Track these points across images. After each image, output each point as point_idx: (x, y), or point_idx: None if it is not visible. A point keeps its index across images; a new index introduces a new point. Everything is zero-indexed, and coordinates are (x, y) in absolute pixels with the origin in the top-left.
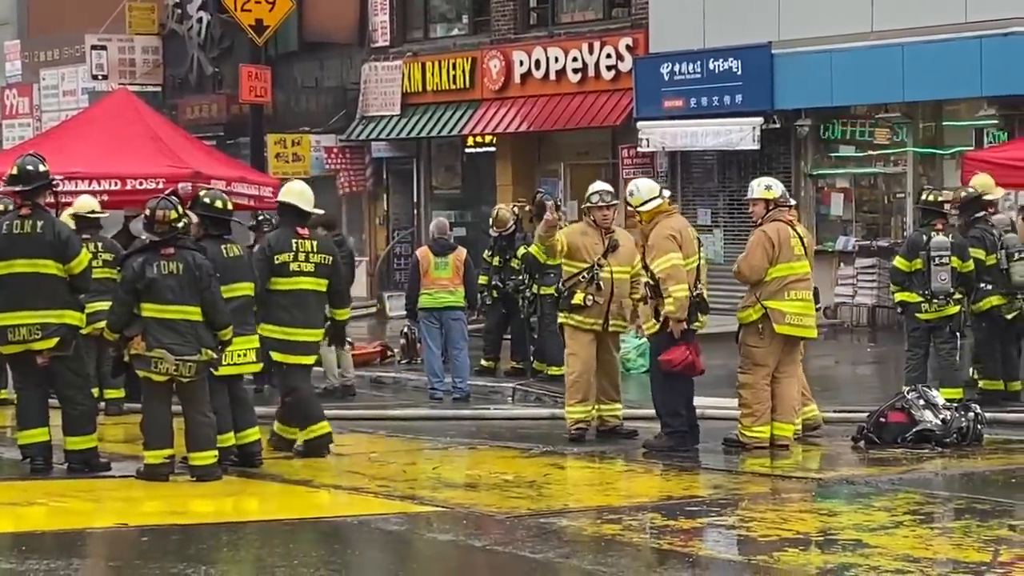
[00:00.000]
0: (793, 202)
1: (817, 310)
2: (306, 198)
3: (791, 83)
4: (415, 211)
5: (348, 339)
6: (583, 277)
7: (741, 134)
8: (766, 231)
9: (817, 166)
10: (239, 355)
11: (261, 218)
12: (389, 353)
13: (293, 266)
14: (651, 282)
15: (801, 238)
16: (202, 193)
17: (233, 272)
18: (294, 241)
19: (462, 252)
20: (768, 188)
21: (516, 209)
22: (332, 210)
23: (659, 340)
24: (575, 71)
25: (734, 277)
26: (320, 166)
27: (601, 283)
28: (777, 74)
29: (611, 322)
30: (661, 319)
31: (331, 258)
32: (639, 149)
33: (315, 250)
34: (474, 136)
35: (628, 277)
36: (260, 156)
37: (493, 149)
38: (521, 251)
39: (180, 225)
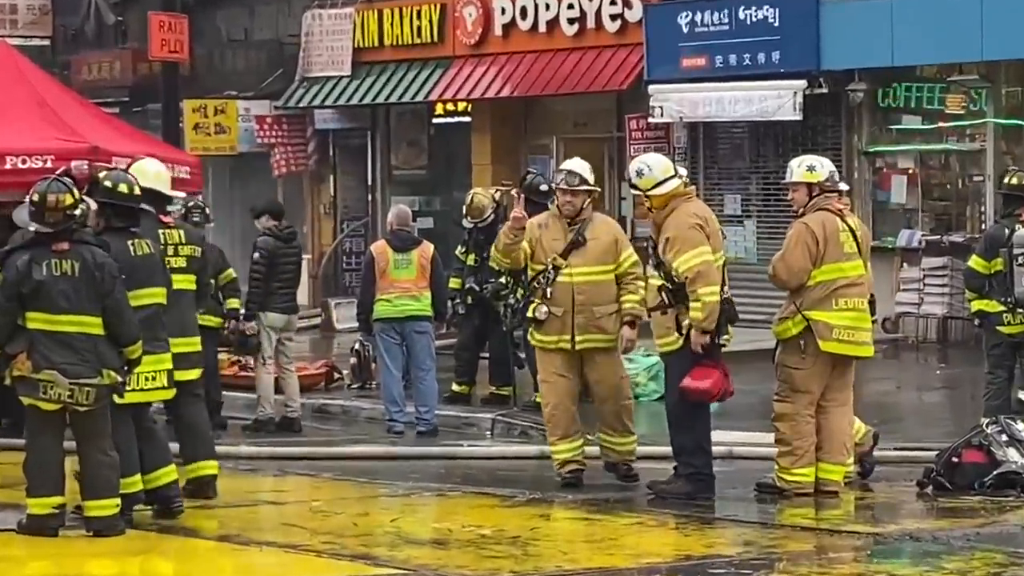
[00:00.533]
0: (844, 187)
1: (873, 322)
2: (163, 180)
3: (842, 38)
4: (369, 196)
5: (289, 358)
6: (538, 283)
7: (779, 101)
8: (809, 223)
9: (874, 141)
10: (148, 378)
11: (192, 204)
12: (337, 375)
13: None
14: (669, 286)
15: (853, 232)
16: (102, 175)
17: (142, 274)
18: (161, 232)
19: (428, 248)
20: (811, 169)
21: (497, 194)
22: (268, 195)
23: (680, 360)
24: (571, 21)
25: (769, 281)
26: (250, 140)
27: (549, 290)
28: (824, 26)
29: (579, 338)
30: (684, 332)
31: (200, 249)
32: (651, 119)
33: (183, 241)
34: (444, 103)
35: (605, 279)
36: (175, 127)
37: (468, 119)
38: None
39: (77, 213)
